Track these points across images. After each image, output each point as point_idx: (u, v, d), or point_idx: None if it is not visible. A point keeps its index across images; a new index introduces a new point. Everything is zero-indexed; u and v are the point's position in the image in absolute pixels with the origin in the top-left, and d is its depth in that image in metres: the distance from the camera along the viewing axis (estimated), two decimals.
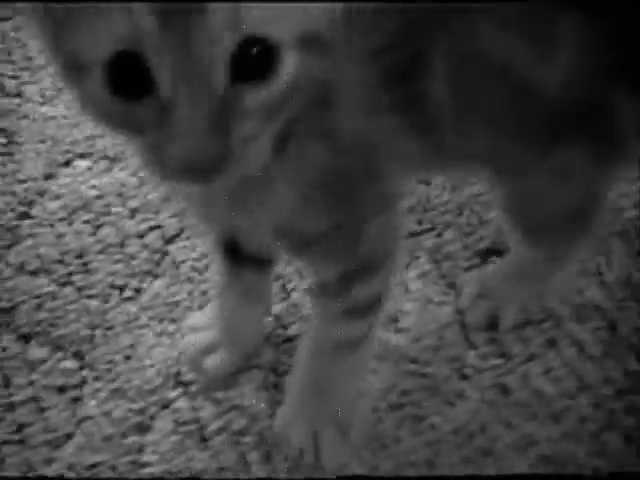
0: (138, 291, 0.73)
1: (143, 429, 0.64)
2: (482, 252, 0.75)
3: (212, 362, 0.65)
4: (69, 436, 0.64)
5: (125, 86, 0.34)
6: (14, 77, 0.94)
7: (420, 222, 0.77)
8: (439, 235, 0.76)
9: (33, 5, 0.35)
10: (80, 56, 0.33)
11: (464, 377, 0.67)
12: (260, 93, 0.34)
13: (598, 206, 0.61)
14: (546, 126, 0.51)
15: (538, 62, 0.47)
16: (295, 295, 0.72)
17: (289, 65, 0.35)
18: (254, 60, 0.34)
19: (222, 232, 0.58)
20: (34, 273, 0.75)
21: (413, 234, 0.76)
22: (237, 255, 0.60)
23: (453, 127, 0.48)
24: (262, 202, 0.45)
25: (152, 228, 0.77)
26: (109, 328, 0.71)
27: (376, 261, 0.52)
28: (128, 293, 0.73)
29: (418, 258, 0.74)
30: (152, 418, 0.65)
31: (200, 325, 0.67)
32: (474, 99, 0.48)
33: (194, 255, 0.75)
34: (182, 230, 0.77)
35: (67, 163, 0.84)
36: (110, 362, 0.68)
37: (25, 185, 0.82)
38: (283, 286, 0.72)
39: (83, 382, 0.68)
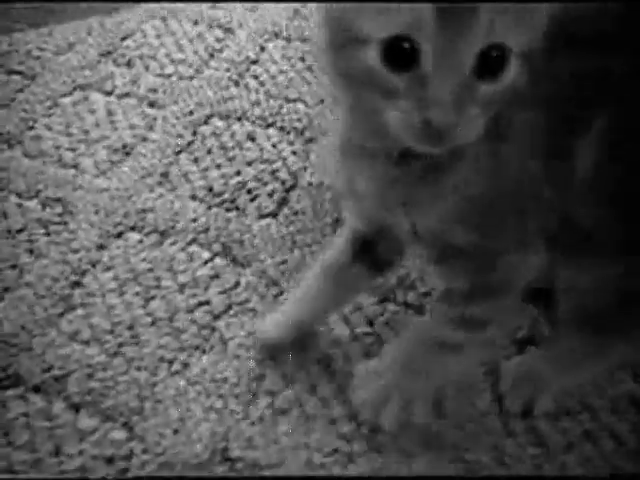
0: (186, 365, 0.75)
1: None
2: (519, 341, 0.77)
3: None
4: None
5: (393, 59, 0.43)
6: (71, 149, 0.99)
7: None
8: None
9: None
10: (363, 33, 0.43)
11: (503, 464, 0.69)
12: (489, 87, 0.44)
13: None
14: None
15: None
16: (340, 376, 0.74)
17: (513, 71, 0.44)
18: (492, 61, 0.43)
19: (368, 229, 0.65)
20: (86, 342, 0.78)
21: None
22: (365, 256, 0.68)
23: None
24: (429, 201, 0.53)
25: (201, 304, 0.80)
26: (158, 401, 0.73)
27: (500, 290, 0.58)
28: (177, 367, 0.75)
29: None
30: None
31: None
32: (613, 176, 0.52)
33: (242, 332, 0.77)
34: (230, 307, 0.80)
35: (119, 235, 0.88)
36: (158, 435, 0.70)
37: (78, 255, 0.86)
38: (327, 366, 0.75)
39: (131, 454, 0.69)
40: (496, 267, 0.56)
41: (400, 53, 0.43)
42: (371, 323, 0.78)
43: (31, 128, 1.02)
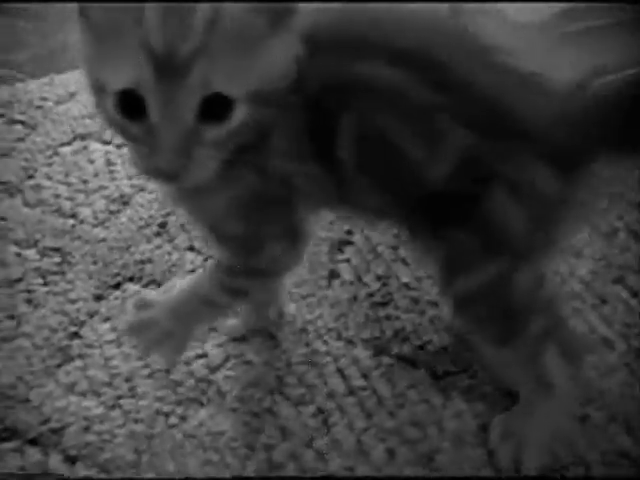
0: (183, 418, 0.76)
1: None
2: (514, 392, 0.78)
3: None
4: None
5: (127, 109, 0.50)
6: (70, 199, 1.00)
7: (455, 362, 0.80)
8: (473, 376, 0.79)
9: (82, 31, 0.51)
10: (103, 83, 0.50)
11: None
12: (216, 131, 0.51)
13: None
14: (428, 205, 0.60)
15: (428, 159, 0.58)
16: (336, 429, 0.75)
17: (240, 113, 0.51)
18: (215, 108, 0.50)
19: None
20: (83, 394, 0.78)
21: (448, 373, 0.79)
22: None
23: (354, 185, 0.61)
24: (201, 207, 0.62)
25: (198, 356, 0.81)
26: (155, 454, 0.73)
27: (262, 272, 0.68)
28: (174, 420, 0.76)
29: (452, 399, 0.77)
30: None
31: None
32: (372, 167, 0.59)
33: (238, 385, 0.78)
34: (227, 359, 0.81)
35: (117, 286, 0.89)
36: None
37: (76, 305, 0.87)
38: (325, 421, 0.75)
39: None
40: (260, 253, 0.65)
41: (131, 105, 0.50)
42: (366, 376, 0.79)
43: (31, 177, 1.03)
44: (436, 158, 0.58)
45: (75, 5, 0.51)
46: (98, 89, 0.51)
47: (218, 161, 0.53)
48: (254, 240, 0.64)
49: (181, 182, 0.52)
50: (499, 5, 1.03)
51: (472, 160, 0.58)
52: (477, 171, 0.58)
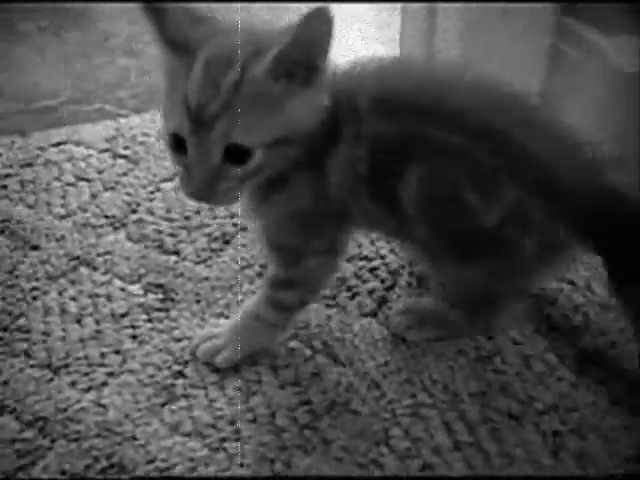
0: (288, 465, 0.75)
1: None
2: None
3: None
4: None
5: (176, 147, 0.65)
6: (172, 235, 1.02)
7: (564, 422, 0.78)
8: (584, 438, 0.77)
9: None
10: (164, 127, 0.67)
11: None
12: (238, 170, 0.65)
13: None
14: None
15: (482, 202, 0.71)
16: None
17: (257, 158, 0.64)
18: (237, 153, 0.63)
19: None
20: (188, 435, 0.78)
21: (557, 433, 0.77)
22: None
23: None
24: (265, 217, 0.75)
25: (302, 402, 0.81)
26: None
27: (300, 284, 0.79)
28: (278, 466, 0.75)
29: (563, 460, 0.75)
30: None
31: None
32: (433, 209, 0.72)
33: (344, 434, 0.77)
34: (332, 406, 0.80)
35: None
36: None
37: (180, 344, 0.88)
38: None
39: None
40: (300, 264, 0.76)
41: (179, 143, 0.64)
42: (472, 431, 0.78)
43: (134, 212, 1.06)
44: (490, 207, 0.71)
45: None
46: (164, 119, 0.67)
47: (243, 190, 0.68)
48: (299, 252, 0.76)
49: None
50: None
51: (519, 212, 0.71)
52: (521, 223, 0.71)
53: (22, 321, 0.90)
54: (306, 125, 0.66)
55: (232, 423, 0.79)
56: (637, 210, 0.72)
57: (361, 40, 1.49)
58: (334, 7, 0.61)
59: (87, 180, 1.12)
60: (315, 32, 0.60)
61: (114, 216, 1.05)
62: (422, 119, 0.69)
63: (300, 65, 0.62)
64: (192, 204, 1.06)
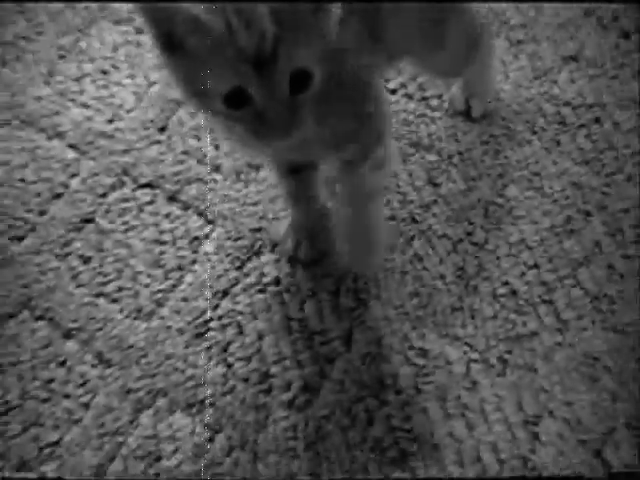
0: None
1: None
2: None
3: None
4: None
5: (232, 102, 0.65)
6: None
7: None
8: None
9: (171, 63, 0.66)
10: (208, 91, 0.65)
11: None
12: (306, 95, 0.66)
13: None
14: None
15: None
16: None
17: (318, 75, 0.66)
18: (301, 78, 0.65)
19: (288, 163, 0.94)
20: None
21: None
22: (295, 173, 0.96)
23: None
24: (326, 125, 0.76)
25: None
26: None
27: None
28: None
29: None
30: None
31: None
32: None
33: None
34: None
35: None
36: None
37: None
38: None
39: None
40: (379, 141, 0.84)
41: (237, 99, 0.65)
42: None
43: None
44: None
45: None
46: (202, 95, 0.66)
47: (314, 114, 0.69)
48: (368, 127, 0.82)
49: (289, 139, 0.67)
50: None
51: None
52: None
53: None
54: (333, 34, 0.67)
55: None
56: None
57: None
58: None
59: None
60: None
61: None
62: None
63: None
64: None
